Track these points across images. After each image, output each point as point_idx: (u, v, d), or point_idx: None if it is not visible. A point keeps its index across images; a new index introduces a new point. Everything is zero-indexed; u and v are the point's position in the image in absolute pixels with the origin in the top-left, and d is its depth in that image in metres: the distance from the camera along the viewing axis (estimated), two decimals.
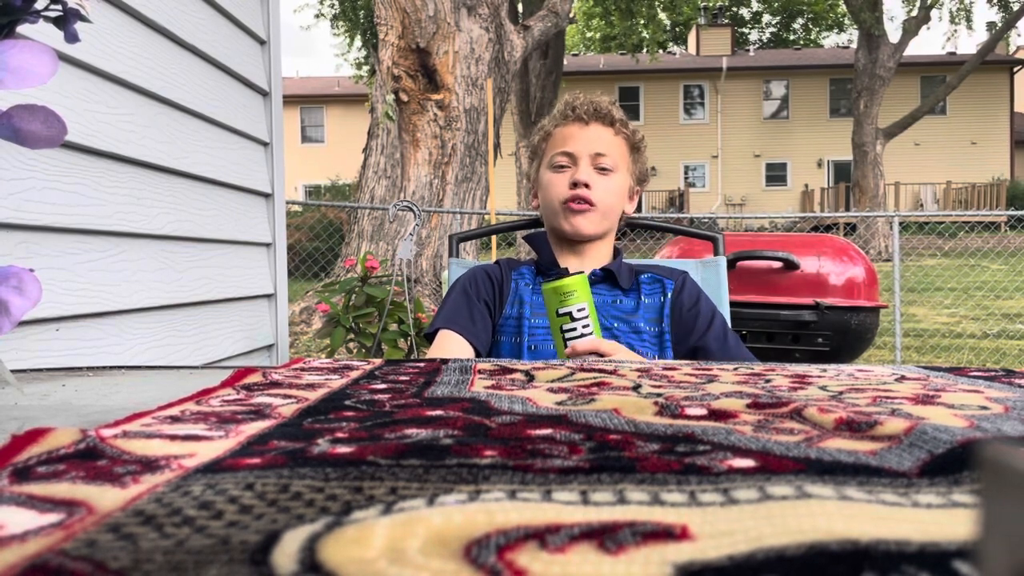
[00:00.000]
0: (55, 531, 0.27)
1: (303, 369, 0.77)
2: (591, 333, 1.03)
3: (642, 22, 16.80)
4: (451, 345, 1.21)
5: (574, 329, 1.03)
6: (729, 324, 1.33)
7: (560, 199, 1.27)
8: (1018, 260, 9.11)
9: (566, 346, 1.03)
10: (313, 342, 5.82)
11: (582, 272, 1.06)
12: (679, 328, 1.24)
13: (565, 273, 1.06)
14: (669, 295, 1.27)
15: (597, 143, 1.27)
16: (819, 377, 0.73)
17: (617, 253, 1.33)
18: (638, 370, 0.77)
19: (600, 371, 0.75)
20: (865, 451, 0.40)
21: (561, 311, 1.03)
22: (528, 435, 0.44)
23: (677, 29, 24.02)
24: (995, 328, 6.93)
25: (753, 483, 0.33)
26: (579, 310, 1.03)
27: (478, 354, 1.23)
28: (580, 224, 1.25)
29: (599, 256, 1.30)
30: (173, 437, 0.43)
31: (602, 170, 1.26)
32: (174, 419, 0.49)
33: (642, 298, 1.26)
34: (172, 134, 1.68)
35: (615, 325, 1.22)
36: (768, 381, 0.69)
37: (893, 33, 15.54)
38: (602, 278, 1.28)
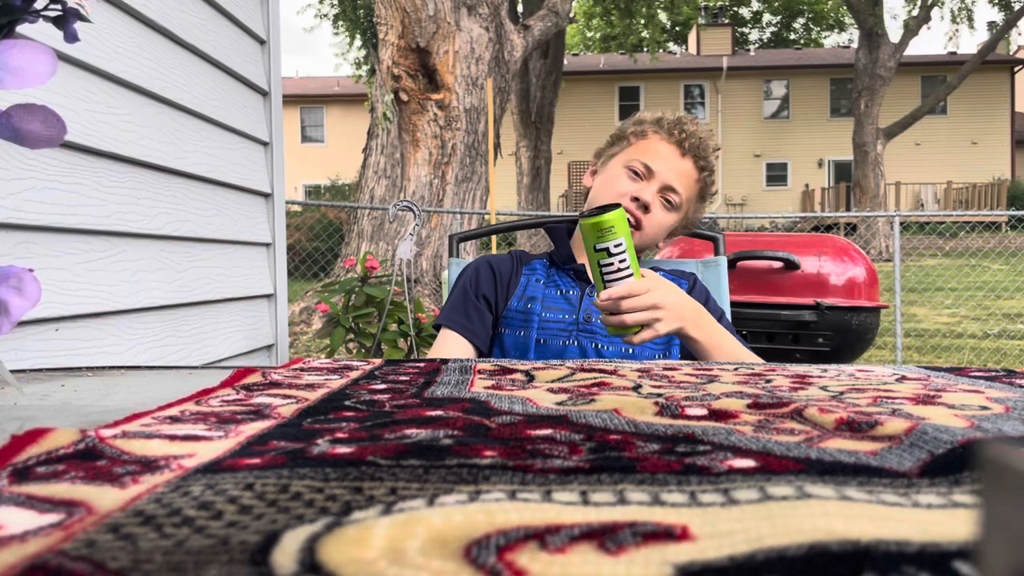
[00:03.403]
0: (55, 531, 0.27)
1: (303, 369, 0.77)
2: (628, 268, 1.02)
3: (642, 22, 16.80)
4: (448, 343, 1.24)
5: (611, 264, 1.02)
6: None
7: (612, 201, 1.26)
8: (1019, 260, 9.11)
9: (604, 281, 1.03)
10: (313, 342, 5.82)
11: (620, 205, 1.04)
12: None
13: (609, 208, 1.02)
14: (684, 288, 1.27)
15: (679, 177, 1.26)
16: (820, 377, 0.73)
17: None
18: (638, 370, 0.77)
19: (600, 371, 0.75)
20: (866, 451, 0.40)
21: (599, 246, 1.02)
22: (528, 435, 0.44)
23: (677, 29, 24.02)
24: (996, 328, 6.93)
25: (753, 483, 0.33)
26: (616, 245, 1.01)
27: (477, 350, 1.24)
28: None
29: None
30: (173, 437, 0.43)
31: (667, 202, 1.26)
32: (174, 419, 0.49)
33: None
34: (172, 134, 1.68)
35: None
36: (768, 381, 0.69)
37: (894, 33, 15.55)
38: None
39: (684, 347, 1.24)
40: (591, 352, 1.20)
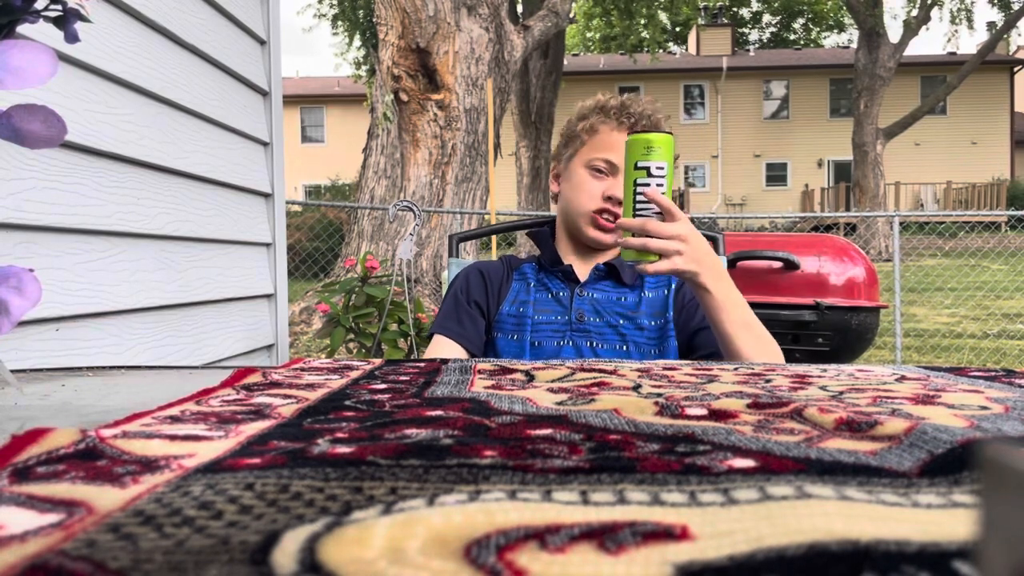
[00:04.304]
0: (55, 531, 0.27)
1: (303, 369, 0.77)
2: (664, 192, 0.99)
3: (642, 22, 16.80)
4: (441, 349, 1.25)
5: (648, 185, 0.98)
6: None
7: (591, 208, 1.25)
8: (1018, 260, 9.11)
9: (635, 208, 0.99)
10: (313, 342, 5.82)
11: (671, 133, 1.02)
12: (681, 316, 1.25)
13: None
14: (673, 286, 1.27)
15: None
16: (819, 377, 0.73)
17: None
18: (638, 370, 0.77)
19: (600, 371, 0.75)
20: (865, 451, 0.40)
21: (640, 164, 0.98)
22: (528, 435, 0.44)
23: (677, 29, 24.01)
24: (995, 328, 6.93)
25: (753, 483, 0.33)
26: (658, 168, 0.98)
27: (471, 354, 1.25)
28: (604, 238, 1.25)
29: (603, 255, 1.31)
30: (173, 437, 0.43)
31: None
32: (174, 419, 0.49)
33: (645, 292, 1.26)
34: (172, 134, 1.68)
35: (620, 323, 1.23)
36: (768, 381, 0.69)
37: (894, 33, 15.55)
38: (606, 274, 1.28)
39: (679, 346, 1.24)
40: (587, 351, 1.20)
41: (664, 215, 0.99)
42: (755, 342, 1.05)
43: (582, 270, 1.29)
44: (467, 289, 1.30)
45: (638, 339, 1.22)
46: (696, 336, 1.22)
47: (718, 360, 1.09)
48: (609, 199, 1.23)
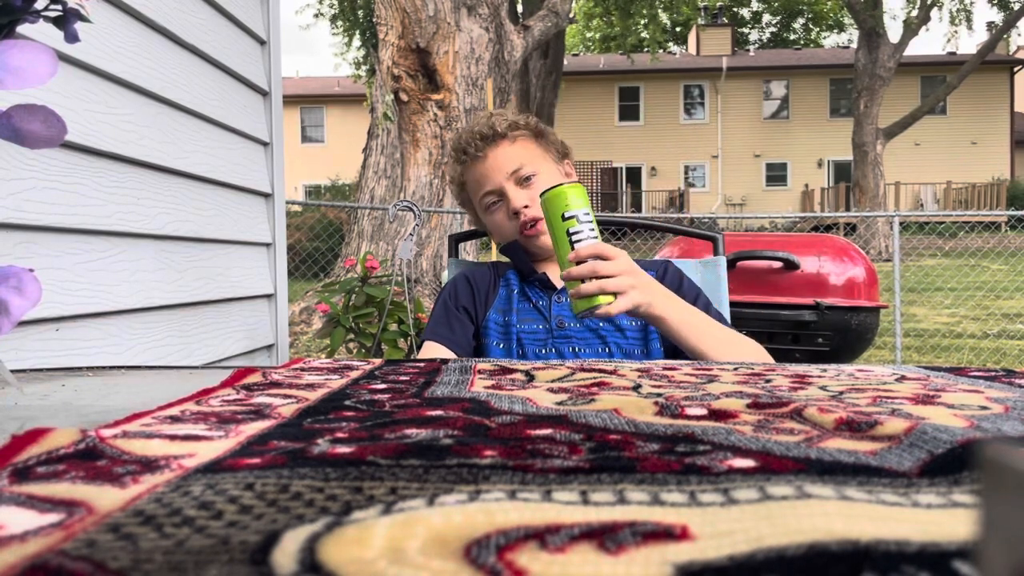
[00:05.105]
0: (55, 531, 0.27)
1: (303, 369, 0.77)
2: (597, 236, 1.00)
3: (642, 22, 16.80)
4: (433, 354, 1.25)
5: (580, 232, 0.99)
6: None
7: (512, 234, 1.28)
8: (1018, 260, 9.11)
9: (572, 248, 0.99)
10: (313, 342, 5.82)
11: (578, 182, 1.05)
12: None
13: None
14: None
15: (505, 163, 1.26)
16: (819, 377, 0.73)
17: None
18: (638, 370, 0.77)
19: (600, 371, 0.75)
20: (865, 451, 0.40)
21: (567, 214, 0.99)
22: (528, 435, 0.44)
23: (677, 29, 24.02)
24: (995, 328, 6.93)
25: (753, 483, 0.33)
26: (585, 214, 0.99)
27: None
28: (544, 242, 1.25)
29: None
30: (173, 437, 0.43)
31: (526, 180, 1.25)
32: (174, 419, 0.49)
33: None
34: (172, 134, 1.68)
35: (600, 326, 1.22)
36: (768, 381, 0.69)
37: (894, 33, 15.55)
38: None
39: (665, 343, 1.23)
40: (570, 357, 1.20)
41: (604, 259, 0.99)
42: (728, 344, 1.07)
43: (557, 277, 1.28)
44: (455, 295, 1.31)
45: (619, 341, 1.22)
46: None
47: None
48: (516, 215, 1.25)
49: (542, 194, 1.04)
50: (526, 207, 1.23)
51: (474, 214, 1.37)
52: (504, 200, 1.27)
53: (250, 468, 0.36)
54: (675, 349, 1.22)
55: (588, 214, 1.00)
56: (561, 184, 1.02)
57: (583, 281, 0.97)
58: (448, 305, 1.30)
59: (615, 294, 0.98)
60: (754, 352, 1.10)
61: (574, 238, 0.99)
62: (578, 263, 0.98)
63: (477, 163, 1.28)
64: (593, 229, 1.00)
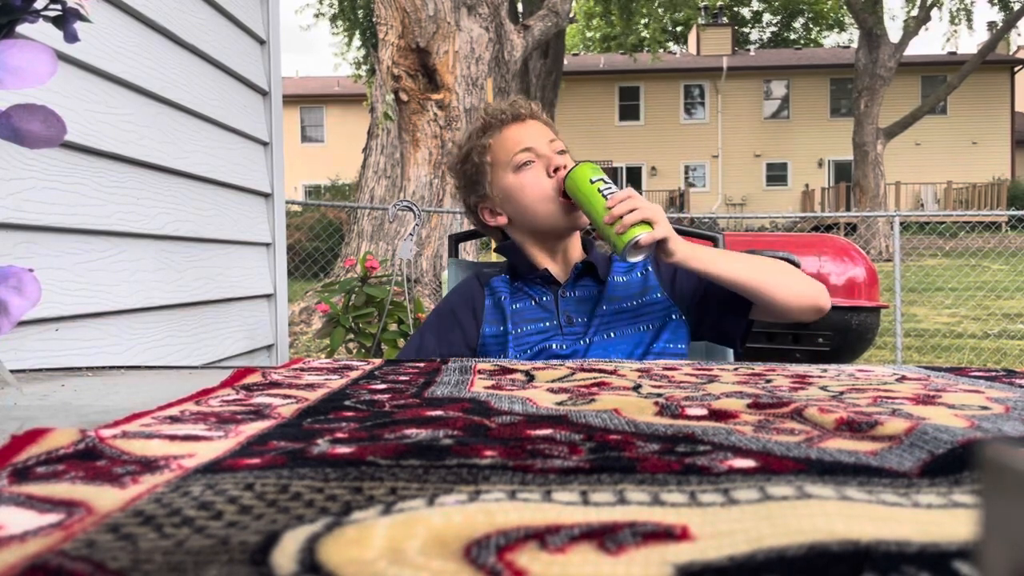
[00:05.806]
0: (55, 531, 0.27)
1: (303, 369, 0.77)
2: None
3: (643, 22, 16.80)
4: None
5: (609, 188, 1.12)
6: None
7: (542, 193, 1.20)
8: (1019, 260, 9.11)
9: (605, 199, 1.10)
10: (313, 342, 5.82)
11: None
12: (675, 285, 1.24)
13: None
14: (650, 269, 1.26)
15: (545, 132, 1.26)
16: (820, 377, 0.73)
17: (589, 244, 1.30)
18: (638, 370, 0.77)
19: (600, 371, 0.75)
20: (866, 451, 0.40)
21: (594, 179, 1.13)
22: (528, 435, 0.44)
23: (677, 29, 24.01)
24: (996, 328, 6.93)
25: (753, 483, 0.33)
26: (605, 181, 1.13)
27: None
28: (580, 218, 1.21)
29: (574, 250, 1.27)
30: (172, 437, 0.43)
31: (560, 153, 1.24)
32: (174, 419, 0.49)
33: (615, 277, 1.24)
34: (172, 134, 1.68)
35: (610, 320, 1.21)
36: (768, 381, 0.69)
37: (894, 33, 15.55)
38: (584, 271, 1.25)
39: (665, 338, 1.21)
40: (580, 351, 1.19)
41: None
42: (762, 267, 1.19)
43: (559, 272, 1.26)
44: (453, 311, 1.28)
45: (628, 327, 1.21)
46: (707, 289, 1.22)
47: (746, 305, 1.19)
48: (556, 170, 1.20)
49: (568, 172, 1.16)
50: (565, 167, 1.21)
51: (486, 185, 1.26)
52: (539, 161, 1.22)
53: (250, 468, 0.36)
54: (704, 307, 1.21)
55: (608, 182, 1.13)
56: (580, 162, 1.15)
57: (621, 220, 1.08)
58: (443, 316, 1.28)
59: (652, 224, 1.08)
60: (784, 268, 1.23)
61: (606, 193, 1.11)
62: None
63: (515, 123, 1.25)
64: (614, 189, 1.13)
